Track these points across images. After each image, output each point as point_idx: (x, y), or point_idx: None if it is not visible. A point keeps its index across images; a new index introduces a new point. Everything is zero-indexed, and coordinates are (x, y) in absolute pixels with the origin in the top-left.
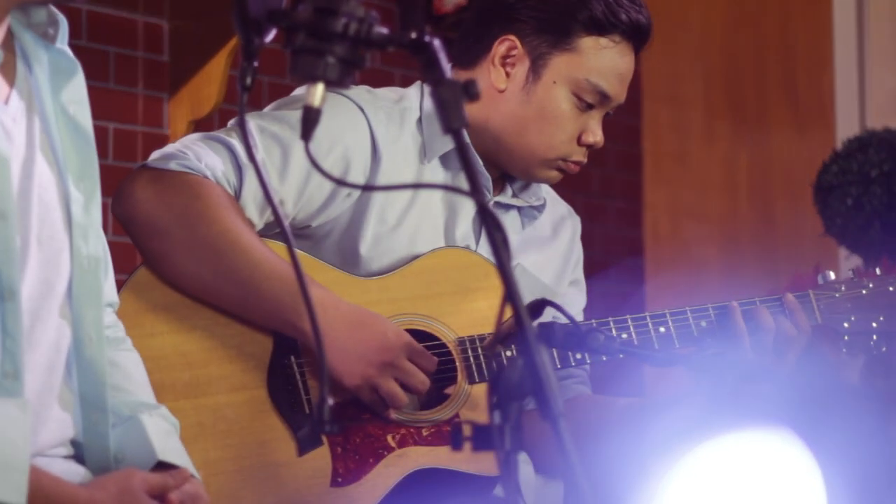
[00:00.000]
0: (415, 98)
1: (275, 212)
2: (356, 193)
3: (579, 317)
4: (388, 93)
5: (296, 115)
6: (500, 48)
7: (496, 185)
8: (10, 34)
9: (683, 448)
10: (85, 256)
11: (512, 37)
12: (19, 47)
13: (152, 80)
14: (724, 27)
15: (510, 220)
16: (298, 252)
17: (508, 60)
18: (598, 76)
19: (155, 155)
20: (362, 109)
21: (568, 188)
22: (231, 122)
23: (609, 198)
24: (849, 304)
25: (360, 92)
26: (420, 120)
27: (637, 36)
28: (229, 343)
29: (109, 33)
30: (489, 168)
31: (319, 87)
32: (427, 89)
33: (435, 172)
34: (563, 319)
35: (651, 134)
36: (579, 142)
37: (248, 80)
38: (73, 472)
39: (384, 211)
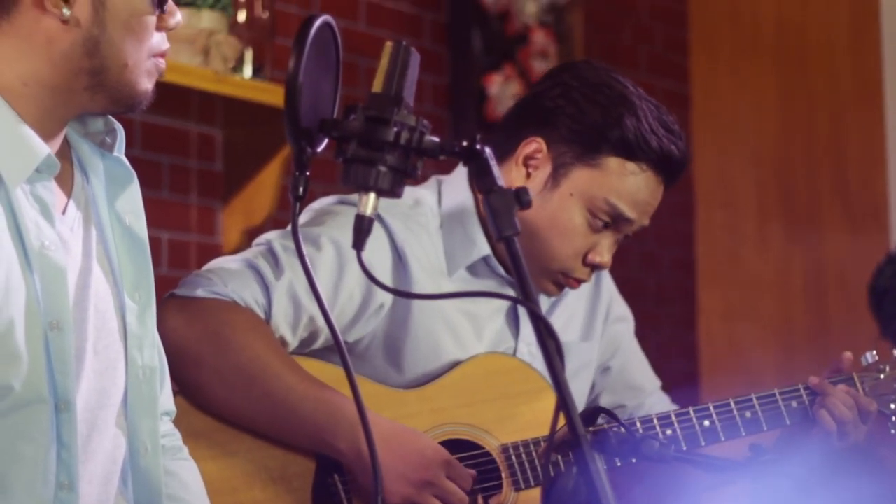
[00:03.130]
0: (432, 200)
1: (326, 316)
2: (388, 305)
3: (636, 348)
4: (403, 197)
5: (316, 231)
6: (526, 148)
7: None
8: (66, 144)
9: None
10: (140, 366)
11: (539, 139)
12: (76, 157)
13: (206, 189)
14: (776, 132)
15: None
16: (333, 366)
17: (532, 162)
18: (617, 197)
19: (181, 283)
20: (380, 218)
21: (624, 294)
22: (255, 243)
23: (664, 303)
24: (895, 384)
25: None
26: (441, 226)
27: (666, 167)
28: (271, 465)
29: (163, 143)
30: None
31: (371, 197)
32: (443, 185)
33: (461, 284)
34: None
35: (705, 238)
36: (585, 260)
37: (301, 190)
38: None
39: (421, 322)
